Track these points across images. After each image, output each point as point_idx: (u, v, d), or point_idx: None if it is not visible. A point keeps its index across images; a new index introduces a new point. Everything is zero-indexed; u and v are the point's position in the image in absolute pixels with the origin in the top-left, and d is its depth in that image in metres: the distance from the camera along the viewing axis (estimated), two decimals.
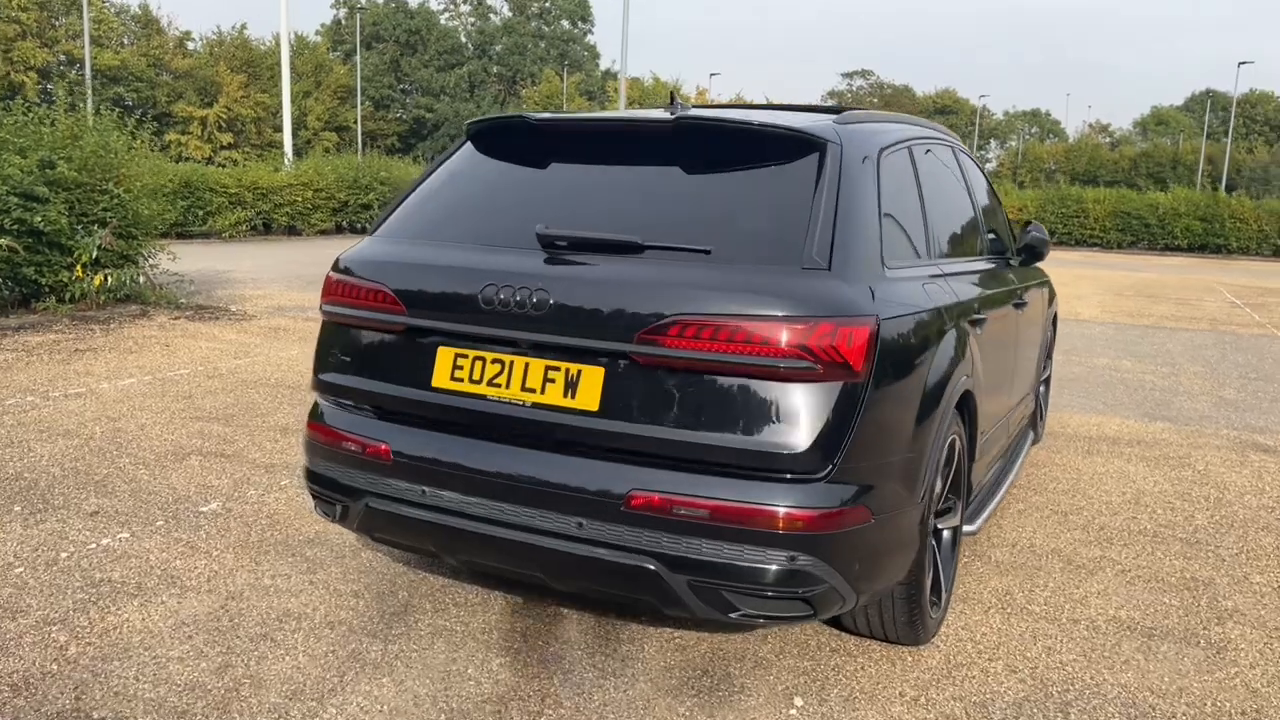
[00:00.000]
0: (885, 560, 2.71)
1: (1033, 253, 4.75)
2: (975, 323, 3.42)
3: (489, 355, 2.72)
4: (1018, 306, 4.37)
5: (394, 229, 3.13)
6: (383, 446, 2.88)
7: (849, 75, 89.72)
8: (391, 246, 3.05)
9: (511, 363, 2.69)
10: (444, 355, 2.78)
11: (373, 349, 2.96)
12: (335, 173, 23.97)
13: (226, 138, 51.45)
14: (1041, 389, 5.76)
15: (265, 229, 22.65)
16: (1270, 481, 5.33)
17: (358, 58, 60.75)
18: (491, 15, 77.43)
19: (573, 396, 2.60)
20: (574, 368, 2.61)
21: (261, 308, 10.72)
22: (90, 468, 4.74)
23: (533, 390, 2.65)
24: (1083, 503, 4.81)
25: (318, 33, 70.56)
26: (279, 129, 48.32)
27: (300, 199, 22.88)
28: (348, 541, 3.88)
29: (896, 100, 79.21)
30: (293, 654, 2.98)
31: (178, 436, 5.36)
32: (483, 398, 2.70)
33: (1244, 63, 50.51)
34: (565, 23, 77.15)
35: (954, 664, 3.08)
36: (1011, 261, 4.59)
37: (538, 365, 2.66)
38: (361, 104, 59.58)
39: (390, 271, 2.92)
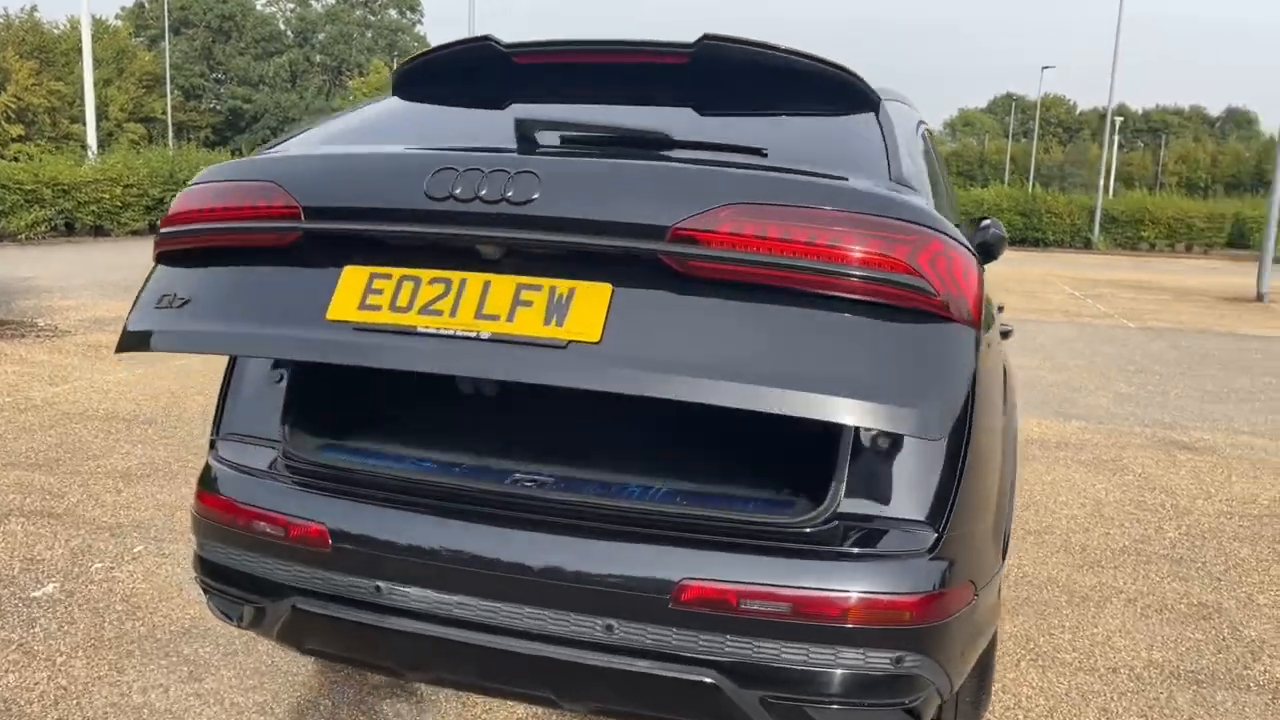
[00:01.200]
0: (979, 641, 2.19)
1: (988, 252, 4.36)
2: (1005, 335, 2.99)
3: (426, 274, 1.89)
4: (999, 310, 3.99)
5: (288, 146, 2.33)
6: (314, 527, 2.12)
7: None
8: (287, 150, 2.27)
9: (463, 282, 1.86)
10: (351, 277, 1.93)
11: (235, 280, 2.06)
12: (148, 167, 21.88)
13: (17, 129, 46.61)
14: None
15: (68, 229, 20.40)
16: (1209, 482, 5.20)
17: (166, 43, 56.48)
18: (313, 2, 73.84)
19: (559, 324, 1.79)
20: (564, 285, 1.82)
21: (74, 321, 9.33)
22: None
23: (494, 317, 1.82)
24: (1048, 519, 4.50)
25: (118, 16, 65.28)
26: (77, 120, 44.26)
27: (108, 196, 20.71)
28: (236, 629, 3.05)
29: None
30: None
31: None
32: (410, 330, 1.84)
33: (1047, 67, 53.96)
34: (393, 12, 74.50)
35: None
36: None
37: (504, 284, 1.84)
38: (171, 93, 55.48)
39: (286, 167, 2.09)
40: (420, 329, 1.84)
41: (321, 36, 72.18)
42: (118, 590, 3.34)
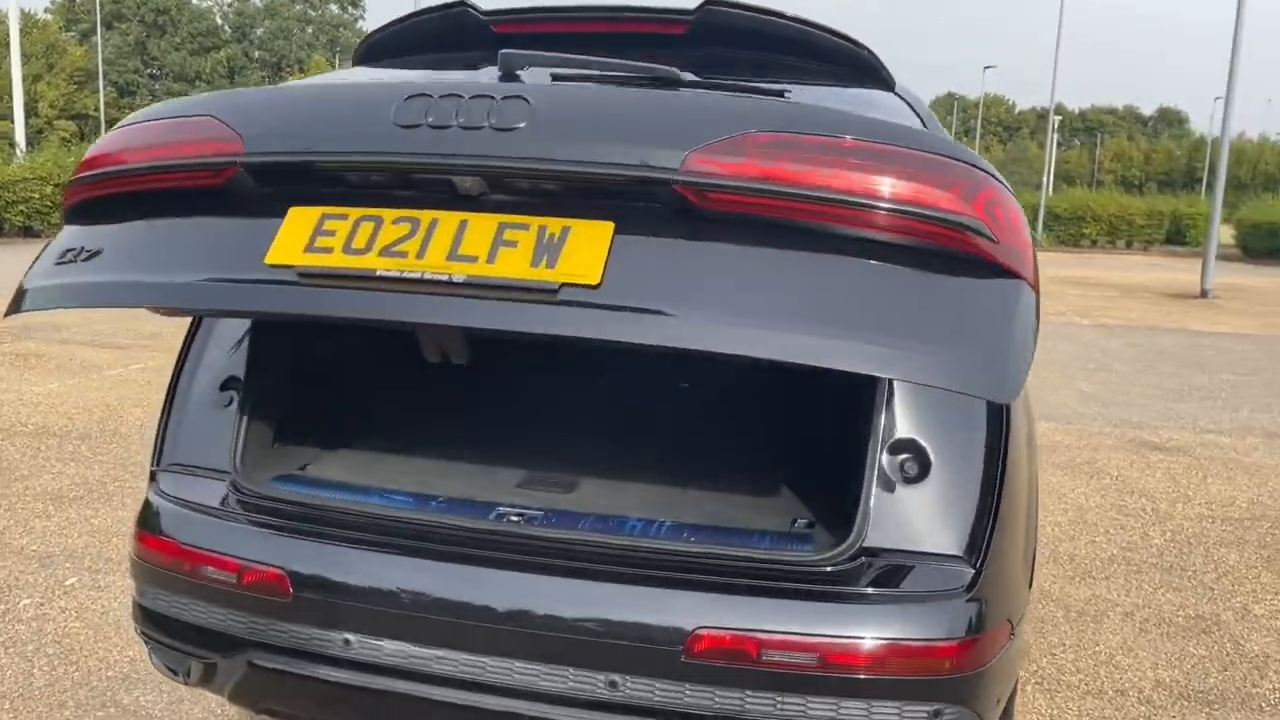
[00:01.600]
0: (1011, 682, 2.01)
1: None
2: None
3: (390, 213, 1.60)
4: None
5: None
6: (272, 572, 1.87)
7: None
8: None
9: (434, 221, 1.57)
10: (298, 218, 1.63)
11: (156, 226, 1.75)
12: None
13: None
14: None
15: None
16: (1186, 485, 5.14)
17: (98, 37, 54.89)
18: None
19: (550, 266, 1.51)
20: (556, 224, 1.55)
21: (1, 328, 8.84)
22: None
23: (471, 259, 1.54)
24: None
25: (48, 10, 63.31)
26: (4, 116, 42.77)
27: (38, 195, 19.92)
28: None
29: None
30: None
31: None
32: (368, 274, 1.55)
33: (988, 67, 54.96)
34: (334, 7, 73.29)
35: None
36: None
37: (484, 222, 1.56)
38: (104, 90, 53.90)
39: (226, 100, 1.79)
40: (380, 272, 1.54)
41: (260, 32, 70.77)
42: (49, 630, 3.04)
